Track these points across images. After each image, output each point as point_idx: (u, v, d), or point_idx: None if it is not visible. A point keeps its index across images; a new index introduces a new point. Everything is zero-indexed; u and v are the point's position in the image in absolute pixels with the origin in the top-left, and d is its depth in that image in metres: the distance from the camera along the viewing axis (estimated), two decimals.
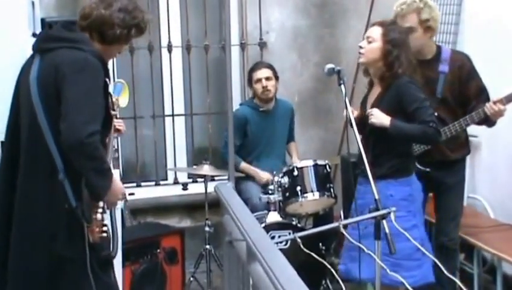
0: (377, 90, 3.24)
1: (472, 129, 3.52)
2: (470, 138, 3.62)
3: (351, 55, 4.98)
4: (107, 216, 2.52)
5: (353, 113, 3.23)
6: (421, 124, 3.06)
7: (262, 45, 4.91)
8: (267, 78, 4.27)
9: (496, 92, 3.35)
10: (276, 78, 4.34)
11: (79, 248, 2.40)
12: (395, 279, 2.79)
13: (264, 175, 4.24)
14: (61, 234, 2.41)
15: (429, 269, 3.14)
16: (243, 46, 4.90)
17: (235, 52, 4.79)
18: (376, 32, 3.16)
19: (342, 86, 3.07)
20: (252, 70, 4.37)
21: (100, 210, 2.46)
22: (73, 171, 2.37)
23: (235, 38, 4.83)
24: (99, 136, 2.36)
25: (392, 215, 2.75)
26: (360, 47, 3.19)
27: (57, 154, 2.37)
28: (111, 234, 2.57)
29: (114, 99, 2.64)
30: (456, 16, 4.26)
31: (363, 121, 3.20)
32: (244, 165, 4.28)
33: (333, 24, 5.05)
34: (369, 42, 3.16)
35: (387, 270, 2.65)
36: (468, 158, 3.67)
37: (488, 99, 3.33)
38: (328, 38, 5.05)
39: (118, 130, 2.74)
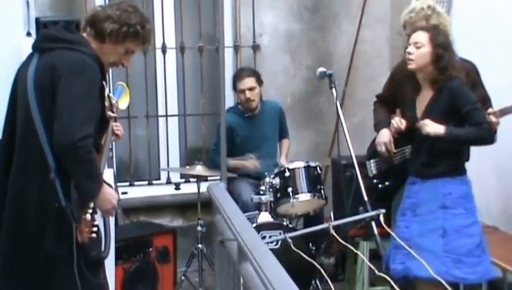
0: (427, 94, 3.20)
1: None
2: None
3: (342, 59, 5.05)
4: (98, 216, 2.52)
5: (401, 122, 3.26)
6: (474, 125, 3.08)
7: (255, 47, 4.94)
8: (250, 89, 4.27)
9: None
10: (260, 83, 4.34)
11: (67, 248, 2.41)
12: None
13: (248, 163, 4.25)
14: (50, 232, 2.42)
15: (490, 266, 3.16)
16: (236, 48, 4.94)
17: (228, 54, 4.82)
18: (423, 37, 3.13)
19: (333, 89, 3.12)
20: (235, 78, 4.36)
21: (90, 210, 2.46)
22: (65, 171, 2.38)
23: (228, 41, 4.85)
24: (93, 139, 2.37)
25: (381, 217, 2.79)
26: (409, 53, 3.14)
27: (49, 152, 2.38)
28: (103, 234, 2.57)
29: (114, 102, 2.65)
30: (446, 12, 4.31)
31: (414, 126, 3.21)
32: (231, 162, 4.19)
33: (325, 28, 5.10)
34: (418, 48, 3.12)
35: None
36: None
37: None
38: (320, 42, 5.10)
39: (116, 135, 2.72)
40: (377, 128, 3.53)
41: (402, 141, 3.38)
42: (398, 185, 3.45)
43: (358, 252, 2.77)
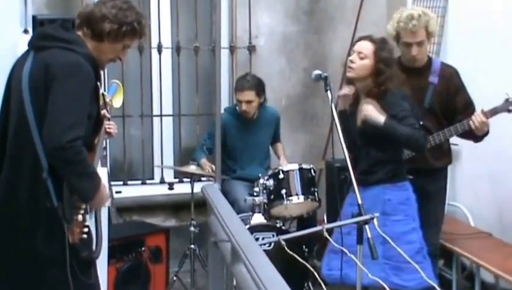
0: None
1: (454, 138, 3.60)
2: (452, 147, 3.69)
3: (337, 62, 5.05)
4: (89, 217, 2.51)
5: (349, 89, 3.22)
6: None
7: (251, 48, 4.95)
8: (248, 102, 4.25)
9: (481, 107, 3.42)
10: (261, 94, 4.29)
11: (58, 248, 2.40)
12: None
13: (205, 171, 4.17)
14: (41, 232, 2.41)
15: (430, 272, 3.15)
16: (232, 49, 4.94)
17: (224, 55, 4.81)
18: (368, 49, 3.14)
19: (328, 91, 3.11)
20: (236, 86, 4.33)
21: (82, 211, 2.45)
22: (58, 171, 2.37)
23: (224, 42, 4.85)
24: (87, 138, 2.37)
25: (375, 221, 2.79)
26: (351, 61, 3.16)
27: (42, 152, 2.36)
28: (94, 234, 2.56)
29: (107, 100, 2.64)
30: (440, 27, 4.33)
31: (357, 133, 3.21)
32: (203, 160, 4.24)
33: (321, 31, 5.11)
34: (361, 58, 3.13)
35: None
36: (449, 166, 3.74)
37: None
38: (316, 45, 5.11)
39: (108, 133, 2.73)
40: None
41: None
42: None
43: (352, 255, 2.77)
